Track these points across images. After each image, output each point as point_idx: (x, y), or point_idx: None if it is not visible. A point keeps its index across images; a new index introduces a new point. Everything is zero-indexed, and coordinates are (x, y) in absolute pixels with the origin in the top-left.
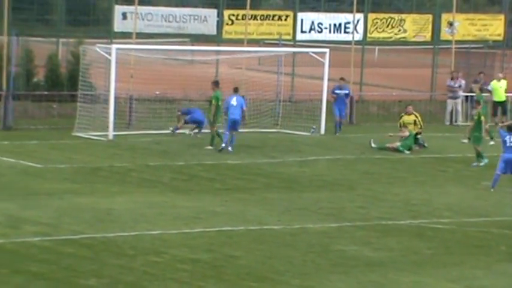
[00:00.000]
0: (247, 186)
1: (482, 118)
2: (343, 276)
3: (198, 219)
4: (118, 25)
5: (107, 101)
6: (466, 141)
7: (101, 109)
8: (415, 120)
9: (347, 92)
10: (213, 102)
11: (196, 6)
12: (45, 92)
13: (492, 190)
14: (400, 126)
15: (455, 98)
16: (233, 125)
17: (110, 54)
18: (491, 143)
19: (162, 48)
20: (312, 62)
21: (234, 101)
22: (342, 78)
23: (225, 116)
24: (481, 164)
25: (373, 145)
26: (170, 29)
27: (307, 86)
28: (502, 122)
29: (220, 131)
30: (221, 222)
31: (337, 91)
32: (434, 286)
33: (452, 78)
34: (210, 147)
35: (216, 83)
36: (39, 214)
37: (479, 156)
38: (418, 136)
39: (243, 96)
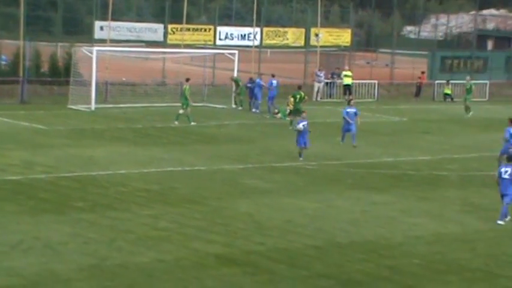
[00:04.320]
0: (183, 141)
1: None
2: (246, 200)
3: (151, 163)
4: (97, 34)
5: (90, 84)
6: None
7: (86, 90)
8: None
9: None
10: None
11: (149, 22)
12: (49, 79)
13: (341, 143)
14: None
15: (319, 82)
16: None
17: (92, 53)
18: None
19: (127, 50)
20: (226, 59)
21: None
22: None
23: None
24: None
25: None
26: (132, 36)
27: (223, 75)
28: (350, 100)
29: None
30: (166, 165)
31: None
32: (305, 205)
33: (319, 70)
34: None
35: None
36: (45, 159)
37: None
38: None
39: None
